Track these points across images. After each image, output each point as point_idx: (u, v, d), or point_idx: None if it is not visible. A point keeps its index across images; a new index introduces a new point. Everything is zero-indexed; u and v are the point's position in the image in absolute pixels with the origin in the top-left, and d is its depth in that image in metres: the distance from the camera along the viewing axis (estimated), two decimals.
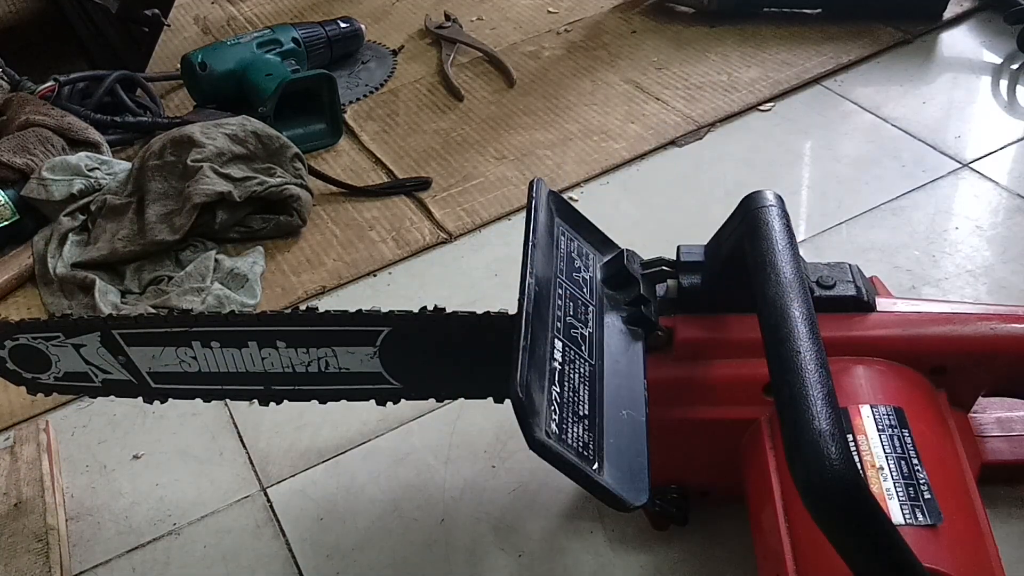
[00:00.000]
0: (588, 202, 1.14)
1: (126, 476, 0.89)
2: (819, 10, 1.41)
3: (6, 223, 1.15)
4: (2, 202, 1.15)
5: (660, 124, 1.25)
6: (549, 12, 1.57)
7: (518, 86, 1.38)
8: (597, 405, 0.59)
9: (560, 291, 0.63)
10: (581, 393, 0.59)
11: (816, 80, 1.29)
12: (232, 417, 0.93)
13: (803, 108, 1.25)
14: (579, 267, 0.67)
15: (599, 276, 0.69)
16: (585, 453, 0.55)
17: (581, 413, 0.57)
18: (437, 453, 0.86)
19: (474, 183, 1.20)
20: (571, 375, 0.59)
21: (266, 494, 0.86)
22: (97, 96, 1.34)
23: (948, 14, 1.37)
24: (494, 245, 1.10)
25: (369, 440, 0.89)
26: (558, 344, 0.60)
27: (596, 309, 0.65)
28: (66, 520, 0.85)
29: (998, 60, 1.30)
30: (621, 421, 0.59)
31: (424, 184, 1.20)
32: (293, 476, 0.87)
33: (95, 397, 0.78)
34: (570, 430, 0.56)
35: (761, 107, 1.26)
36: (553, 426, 0.55)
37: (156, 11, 1.46)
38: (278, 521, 0.83)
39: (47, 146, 1.21)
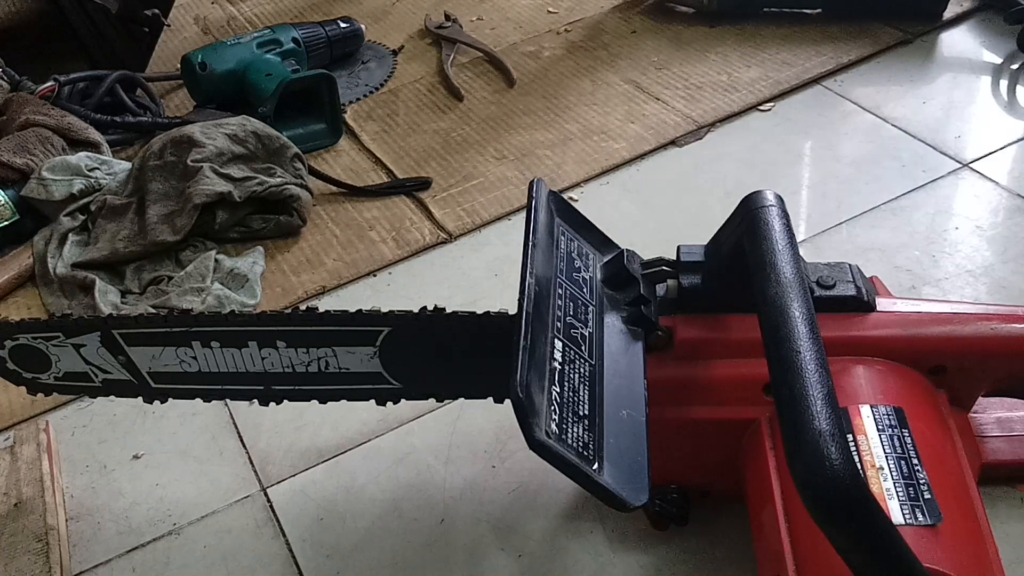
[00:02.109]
0: (588, 202, 1.14)
1: (126, 476, 0.89)
2: (819, 10, 1.41)
3: (6, 223, 1.16)
4: (2, 202, 1.15)
5: (660, 124, 1.25)
6: (549, 12, 1.57)
7: (518, 86, 1.38)
8: (597, 405, 0.59)
9: (560, 291, 0.63)
10: (581, 393, 0.59)
11: (816, 80, 1.29)
12: (232, 417, 0.93)
13: (803, 108, 1.25)
14: (579, 267, 0.67)
15: (599, 276, 0.69)
16: (585, 453, 0.55)
17: (581, 413, 0.57)
18: (437, 453, 0.86)
19: (474, 183, 1.20)
20: (571, 375, 0.59)
21: (266, 494, 0.86)
22: (97, 96, 1.34)
23: (948, 14, 1.37)
24: (494, 245, 1.10)
25: (369, 440, 0.89)
26: (558, 344, 0.60)
27: (596, 309, 0.66)
28: (66, 520, 0.85)
29: (998, 60, 1.30)
30: (621, 421, 0.59)
31: (424, 184, 1.20)
32: (293, 476, 0.87)
33: (95, 397, 0.78)
34: (570, 430, 0.56)
35: (761, 107, 1.26)
36: (553, 426, 0.55)
37: (156, 11, 1.46)
38: (278, 521, 0.83)
39: (47, 146, 1.21)
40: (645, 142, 1.22)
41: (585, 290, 0.66)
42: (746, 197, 0.64)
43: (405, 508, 0.82)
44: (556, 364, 0.58)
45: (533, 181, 0.69)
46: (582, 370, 0.60)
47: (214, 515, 0.84)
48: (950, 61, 1.31)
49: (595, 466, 0.55)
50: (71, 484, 0.89)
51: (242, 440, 0.91)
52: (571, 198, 1.15)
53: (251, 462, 0.89)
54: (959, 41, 1.35)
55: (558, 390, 0.57)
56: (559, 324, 0.61)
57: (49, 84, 1.33)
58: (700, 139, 1.22)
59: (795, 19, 1.41)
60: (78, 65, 1.51)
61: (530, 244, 0.63)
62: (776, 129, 1.22)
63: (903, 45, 1.34)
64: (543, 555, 0.77)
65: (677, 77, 1.34)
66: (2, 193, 1.16)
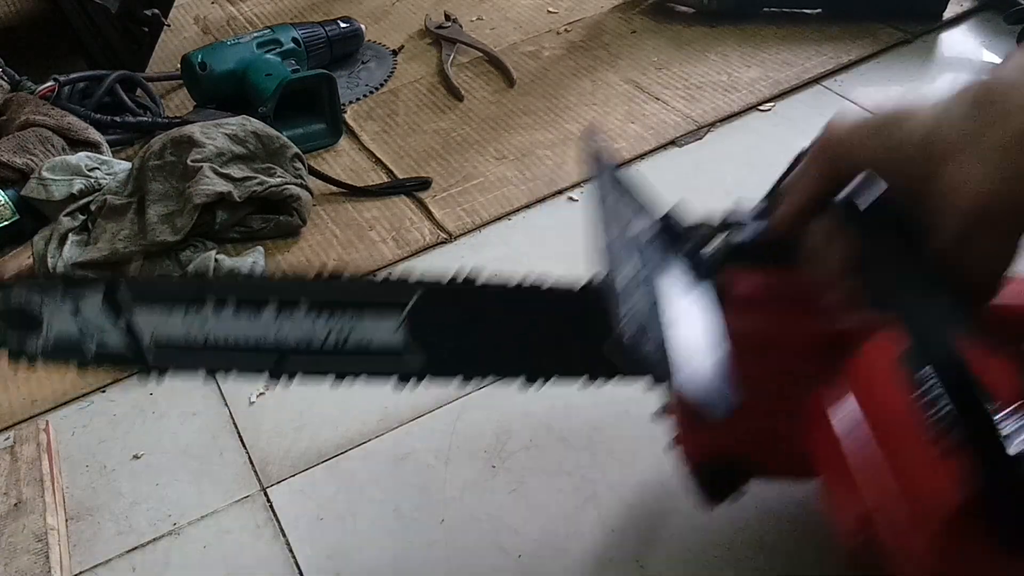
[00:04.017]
0: (588, 202, 1.14)
1: (126, 476, 0.89)
2: (819, 10, 1.41)
3: (6, 223, 1.16)
4: (2, 202, 1.15)
5: (660, 124, 1.25)
6: (549, 12, 1.57)
7: (518, 86, 1.38)
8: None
9: (625, 248, 0.63)
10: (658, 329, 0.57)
11: (816, 80, 1.29)
12: (232, 417, 0.93)
13: (803, 108, 1.25)
14: (636, 226, 0.67)
15: (654, 234, 0.69)
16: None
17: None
18: (437, 453, 0.86)
19: (474, 183, 1.20)
20: (652, 323, 0.58)
21: (266, 494, 0.86)
22: (97, 96, 1.34)
23: (948, 14, 1.37)
24: (494, 245, 1.10)
25: (369, 440, 0.89)
26: (639, 293, 0.59)
27: (657, 264, 0.65)
28: (66, 520, 0.85)
29: (998, 60, 1.30)
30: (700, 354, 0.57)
31: (424, 184, 1.20)
32: (293, 476, 0.87)
33: (85, 368, 0.71)
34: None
35: (761, 107, 1.26)
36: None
37: (156, 11, 1.46)
38: (278, 521, 0.83)
39: (47, 146, 1.21)
40: (645, 142, 1.22)
41: (645, 247, 0.66)
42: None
43: (405, 508, 0.82)
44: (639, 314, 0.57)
45: (590, 143, 0.67)
46: (655, 316, 0.59)
47: (214, 515, 0.84)
48: (950, 61, 1.31)
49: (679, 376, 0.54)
50: (71, 484, 0.89)
51: (242, 440, 0.91)
52: (571, 198, 1.15)
53: (251, 462, 0.89)
54: (959, 41, 1.35)
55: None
56: (636, 276, 0.60)
57: (49, 84, 1.33)
58: (700, 139, 1.22)
59: (795, 19, 1.41)
60: (78, 65, 1.51)
61: (601, 203, 0.63)
62: (776, 129, 1.22)
63: (903, 45, 1.34)
64: (543, 555, 0.77)
65: (677, 77, 1.34)
66: (2, 193, 1.16)
